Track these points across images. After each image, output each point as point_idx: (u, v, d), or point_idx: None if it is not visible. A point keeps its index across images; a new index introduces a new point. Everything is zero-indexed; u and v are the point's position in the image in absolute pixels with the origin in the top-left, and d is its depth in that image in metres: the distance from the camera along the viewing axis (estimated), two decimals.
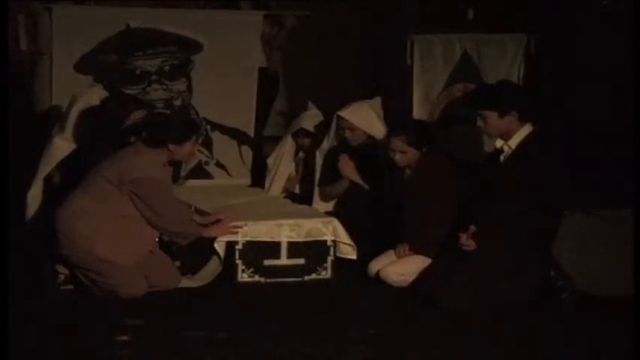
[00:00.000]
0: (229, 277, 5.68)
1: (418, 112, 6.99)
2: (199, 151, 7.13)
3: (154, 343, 4.55)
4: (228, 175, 7.53)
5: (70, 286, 5.47)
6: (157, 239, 5.58)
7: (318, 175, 6.63)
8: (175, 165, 6.06)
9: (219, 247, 5.66)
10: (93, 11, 7.18)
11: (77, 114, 6.04)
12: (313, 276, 5.80)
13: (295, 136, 6.97)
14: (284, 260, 5.77)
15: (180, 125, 5.57)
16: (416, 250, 5.70)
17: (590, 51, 6.68)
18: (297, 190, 7.03)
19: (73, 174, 5.70)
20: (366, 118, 6.37)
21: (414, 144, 5.76)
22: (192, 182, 7.31)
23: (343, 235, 5.83)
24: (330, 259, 5.82)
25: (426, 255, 5.64)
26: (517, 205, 5.15)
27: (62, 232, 5.34)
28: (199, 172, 7.43)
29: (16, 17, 6.83)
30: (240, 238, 5.69)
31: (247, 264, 5.70)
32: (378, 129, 6.35)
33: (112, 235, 5.33)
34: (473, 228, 5.25)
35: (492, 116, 5.29)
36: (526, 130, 5.30)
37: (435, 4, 7.55)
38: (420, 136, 5.80)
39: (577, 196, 5.49)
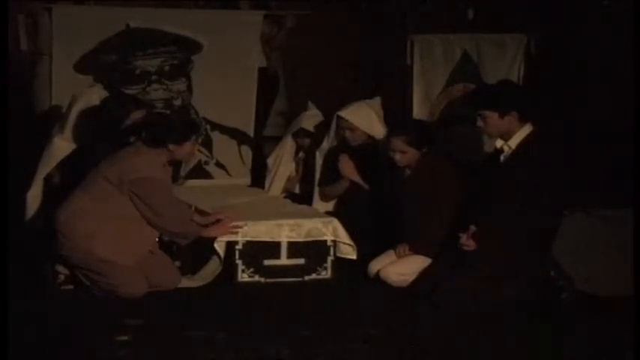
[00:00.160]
0: (229, 277, 5.68)
1: (418, 112, 6.99)
2: (199, 151, 7.13)
3: (154, 343, 4.55)
4: (228, 175, 7.53)
5: (70, 286, 5.47)
6: (157, 239, 5.58)
7: (318, 175, 6.63)
8: (175, 165, 6.06)
9: (219, 247, 5.66)
10: (93, 11, 7.17)
11: (77, 114, 6.05)
12: (313, 276, 5.80)
13: (295, 136, 6.97)
14: (284, 260, 5.77)
15: (180, 125, 5.57)
16: (416, 250, 5.71)
17: (590, 51, 6.68)
18: (297, 190, 7.03)
19: (73, 174, 5.70)
20: (365, 118, 6.38)
21: (414, 144, 5.76)
22: (192, 182, 7.31)
23: (343, 235, 5.83)
24: (330, 259, 5.82)
25: (426, 255, 5.64)
26: (517, 205, 5.15)
27: (62, 232, 5.34)
28: (199, 172, 7.43)
29: (16, 17, 6.82)
30: (240, 238, 5.69)
31: (247, 264, 5.70)
32: (378, 129, 6.36)
33: (112, 235, 5.33)
34: (473, 228, 5.25)
35: (492, 116, 5.30)
36: (526, 130, 5.30)
37: (435, 4, 7.55)
38: (420, 136, 5.81)
39: (577, 196, 5.49)
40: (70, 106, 6.12)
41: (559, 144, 5.42)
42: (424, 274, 5.53)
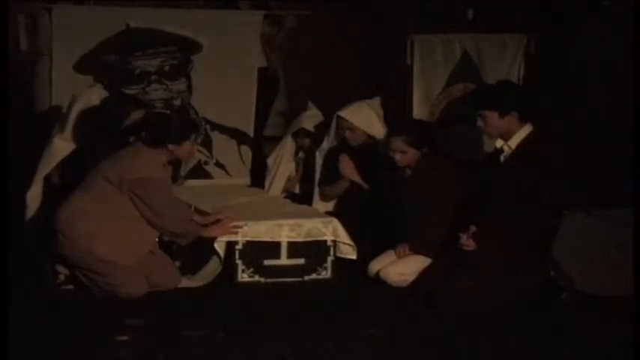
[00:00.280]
0: (229, 277, 5.68)
1: (418, 112, 6.98)
2: (199, 150, 7.12)
3: (154, 343, 4.55)
4: (228, 174, 7.53)
5: (70, 286, 5.47)
6: (156, 239, 5.58)
7: (318, 175, 6.63)
8: (175, 165, 6.06)
9: (219, 247, 5.66)
10: (93, 11, 7.17)
11: (77, 114, 6.05)
12: (313, 276, 5.80)
13: (295, 136, 6.97)
14: (284, 260, 5.77)
15: (179, 125, 5.57)
16: (416, 250, 5.71)
17: (590, 51, 6.68)
18: (297, 190, 7.03)
19: (73, 174, 5.70)
20: (366, 118, 6.37)
21: (414, 144, 5.76)
22: (192, 182, 7.30)
23: (343, 235, 5.83)
24: (330, 259, 5.82)
25: (426, 255, 5.64)
26: (517, 205, 5.15)
27: (62, 232, 5.34)
28: (199, 171, 7.42)
29: (16, 17, 6.82)
30: (240, 238, 5.69)
31: (247, 264, 5.70)
32: (378, 129, 6.36)
33: (112, 235, 5.33)
34: (473, 228, 5.25)
35: (492, 116, 5.30)
36: (526, 130, 5.31)
37: (435, 4, 7.55)
38: (420, 136, 5.81)
39: (577, 196, 5.49)
40: (70, 106, 6.12)
41: (559, 144, 5.42)
42: (424, 274, 5.53)
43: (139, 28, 6.99)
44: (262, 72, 7.56)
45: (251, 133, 7.51)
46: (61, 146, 6.04)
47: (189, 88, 7.27)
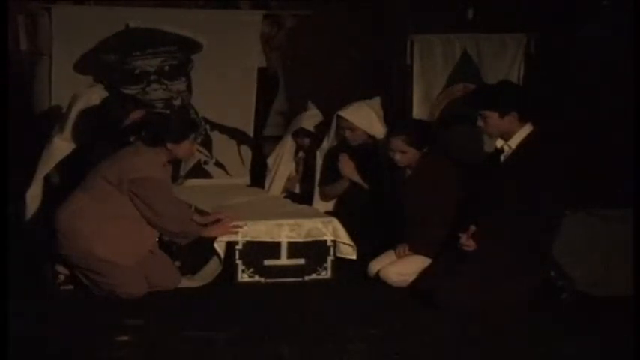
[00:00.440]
0: (229, 277, 5.67)
1: (418, 112, 6.98)
2: (198, 150, 7.12)
3: (154, 343, 4.55)
4: (228, 174, 7.53)
5: (70, 286, 5.47)
6: (157, 239, 5.58)
7: (318, 175, 6.63)
8: (175, 165, 6.05)
9: (219, 247, 5.66)
10: (93, 11, 7.17)
11: (77, 114, 6.05)
12: (313, 276, 5.80)
13: (295, 136, 6.98)
14: (284, 260, 5.76)
15: (178, 124, 5.57)
16: (416, 250, 5.71)
17: (590, 51, 6.68)
18: (297, 190, 7.03)
19: (73, 174, 5.70)
20: (366, 118, 6.37)
21: (414, 144, 5.76)
22: (192, 182, 7.30)
23: (343, 235, 5.83)
24: (330, 259, 5.82)
25: (426, 255, 5.64)
26: (517, 205, 5.15)
27: (62, 232, 5.34)
28: (198, 171, 7.43)
29: (16, 17, 6.83)
30: (240, 238, 5.68)
31: (247, 264, 5.70)
32: (378, 129, 6.35)
33: (112, 235, 5.33)
34: (473, 228, 5.25)
35: (492, 116, 5.30)
36: (526, 130, 5.31)
37: (435, 4, 7.54)
38: (420, 136, 5.81)
39: (577, 196, 5.49)
40: (70, 106, 6.12)
41: (559, 144, 5.42)
42: (424, 274, 5.54)
43: (138, 28, 6.99)
44: (262, 72, 7.57)
45: (251, 133, 7.51)
46: (61, 146, 6.04)
47: (189, 87, 7.27)
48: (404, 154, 5.78)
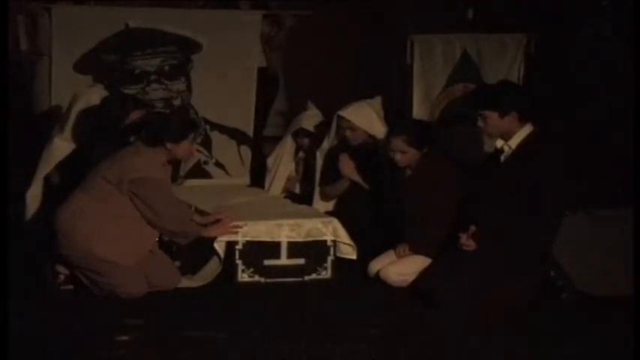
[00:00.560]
0: (229, 277, 5.67)
1: (418, 112, 6.98)
2: (198, 150, 7.12)
3: (154, 343, 4.55)
4: (227, 174, 7.52)
5: (70, 286, 5.47)
6: (157, 239, 5.58)
7: (318, 175, 6.63)
8: (175, 165, 6.05)
9: (219, 247, 5.66)
10: (93, 11, 7.18)
11: (77, 114, 6.05)
12: (313, 276, 5.80)
13: (295, 136, 6.98)
14: (284, 260, 5.76)
15: (177, 124, 5.56)
16: (416, 250, 5.71)
17: (590, 51, 6.68)
18: (297, 190, 7.03)
19: (73, 174, 5.70)
20: (366, 117, 6.37)
21: (414, 144, 5.76)
22: (192, 182, 7.30)
23: (343, 235, 5.83)
24: (330, 259, 5.82)
25: (426, 255, 5.64)
26: (517, 205, 5.15)
27: (62, 232, 5.34)
28: (198, 171, 7.42)
29: (16, 17, 6.83)
30: (240, 238, 5.68)
31: (247, 264, 5.70)
32: (378, 129, 6.35)
33: (112, 235, 5.33)
34: (473, 228, 5.25)
35: (493, 116, 5.30)
36: (526, 130, 5.31)
37: (435, 4, 7.54)
38: (420, 136, 5.81)
39: (577, 196, 5.49)
40: (70, 106, 6.12)
41: (559, 144, 5.42)
42: (424, 274, 5.53)
43: (138, 28, 6.99)
44: (262, 72, 7.56)
45: (251, 133, 7.50)
46: (61, 146, 6.04)
47: (189, 87, 7.27)
48: (404, 154, 5.78)
